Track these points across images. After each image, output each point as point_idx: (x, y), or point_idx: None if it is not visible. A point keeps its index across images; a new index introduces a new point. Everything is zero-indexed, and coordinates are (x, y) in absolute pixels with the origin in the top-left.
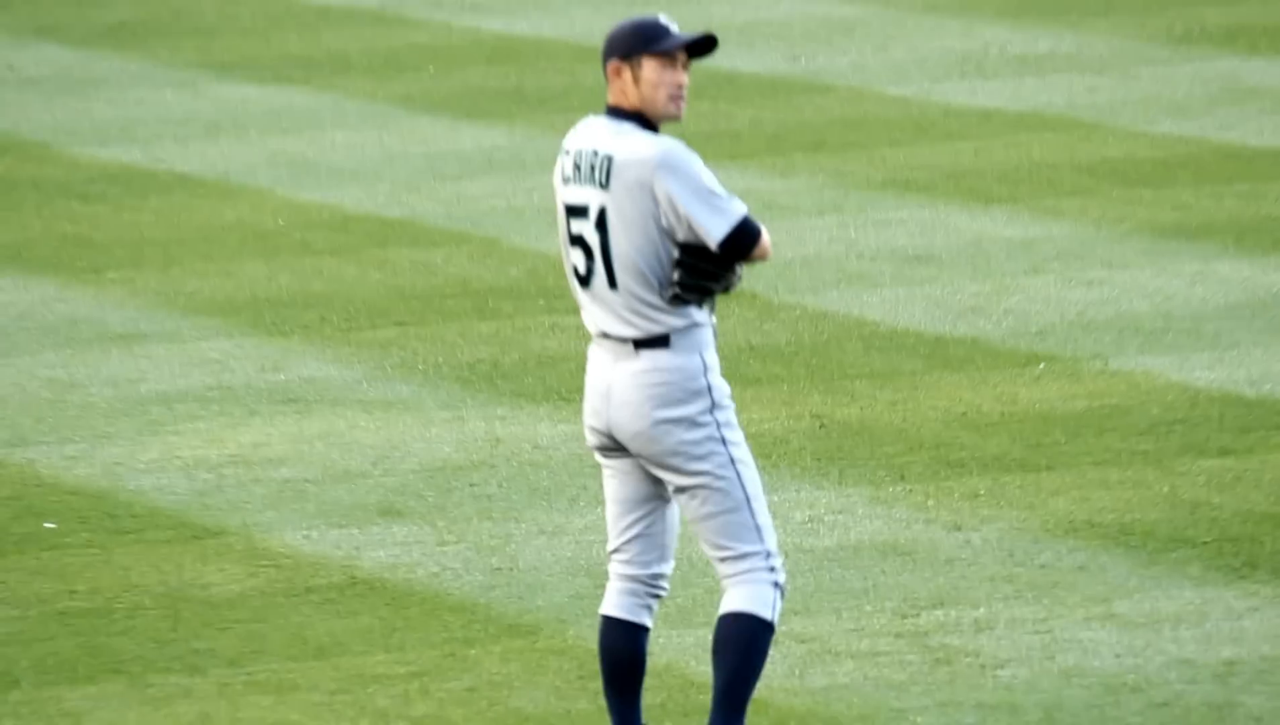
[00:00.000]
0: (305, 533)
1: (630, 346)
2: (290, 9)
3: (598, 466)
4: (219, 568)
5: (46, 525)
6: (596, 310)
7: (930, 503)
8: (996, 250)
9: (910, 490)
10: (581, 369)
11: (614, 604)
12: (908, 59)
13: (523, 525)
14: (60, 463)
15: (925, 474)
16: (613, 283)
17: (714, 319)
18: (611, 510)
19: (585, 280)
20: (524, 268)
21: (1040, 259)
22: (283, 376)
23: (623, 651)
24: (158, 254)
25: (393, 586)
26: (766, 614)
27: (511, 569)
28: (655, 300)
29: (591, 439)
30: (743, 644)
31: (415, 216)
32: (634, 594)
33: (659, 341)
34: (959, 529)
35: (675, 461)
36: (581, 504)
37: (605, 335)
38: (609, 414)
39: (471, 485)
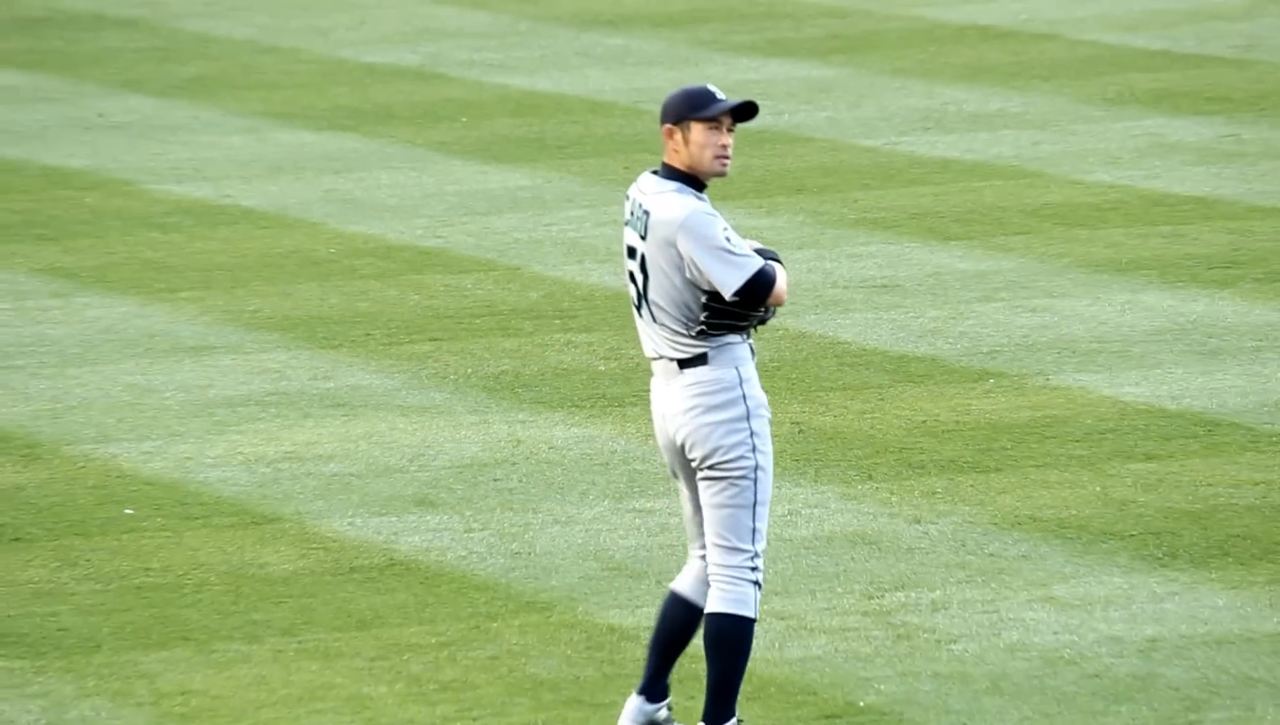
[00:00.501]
0: (350, 520)
1: (676, 366)
2: (342, 66)
3: (604, 464)
4: (275, 549)
5: (126, 511)
6: (648, 334)
7: (894, 499)
8: (953, 281)
9: (877, 488)
10: (591, 381)
11: (684, 584)
12: (877, 115)
13: (539, 515)
14: (138, 457)
15: (890, 474)
16: (653, 316)
17: (751, 339)
18: (687, 515)
19: (638, 308)
20: (543, 292)
21: (991, 289)
22: (332, 384)
23: (678, 622)
24: (225, 277)
25: (425, 567)
26: (749, 612)
27: (529, 553)
28: (686, 335)
29: (666, 459)
30: (730, 642)
31: (449, 247)
32: (702, 580)
33: (699, 360)
34: (919, 522)
35: (712, 457)
36: (591, 497)
37: (658, 357)
38: (668, 427)
39: (495, 480)
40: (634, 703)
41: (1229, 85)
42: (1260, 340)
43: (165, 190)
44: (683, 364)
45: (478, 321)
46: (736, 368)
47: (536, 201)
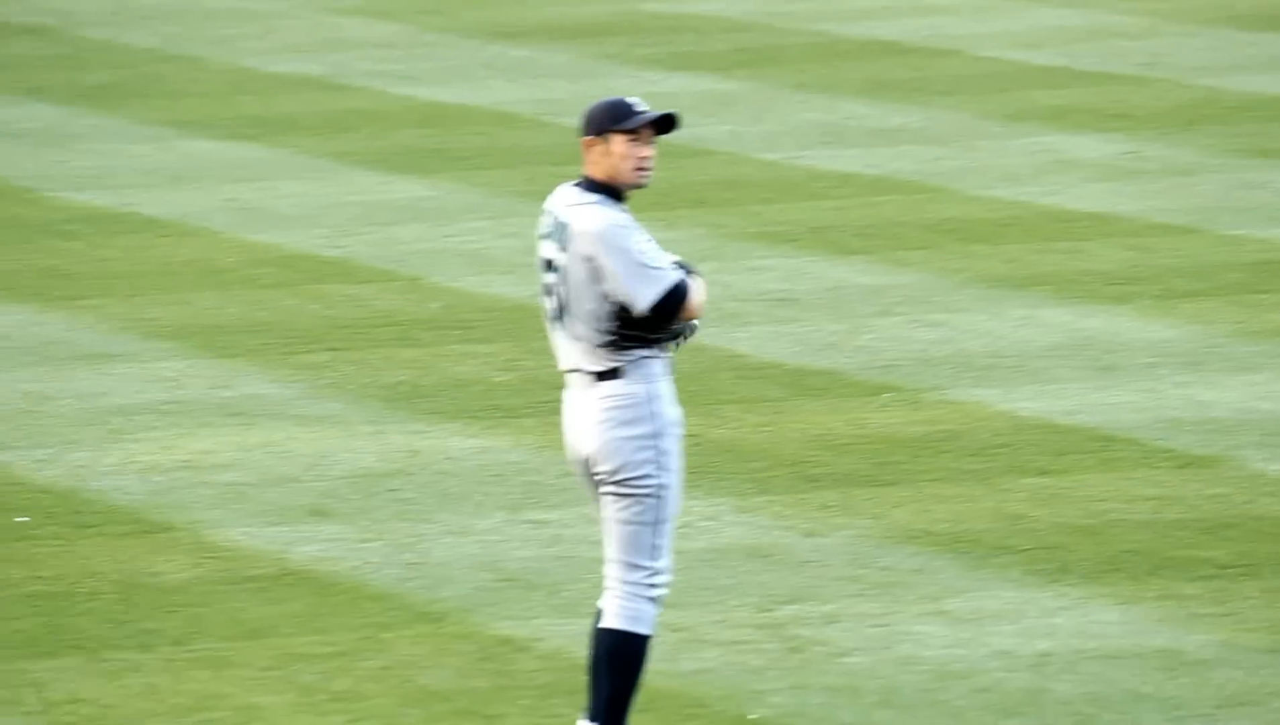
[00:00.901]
0: (244, 529)
1: (592, 378)
2: (246, 75)
3: (500, 475)
4: (168, 559)
5: (18, 519)
6: (564, 347)
7: (789, 512)
8: (852, 295)
9: (772, 501)
10: (489, 392)
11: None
12: (778, 129)
13: (434, 526)
14: (32, 465)
15: (785, 487)
16: (571, 330)
17: (668, 354)
18: (605, 529)
19: (554, 323)
20: (442, 303)
21: (889, 303)
22: (229, 393)
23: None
24: (124, 285)
25: (319, 577)
26: (644, 629)
27: (423, 564)
28: (603, 347)
29: (576, 473)
30: (623, 660)
31: (349, 257)
32: None
33: (613, 373)
34: (813, 535)
35: (619, 473)
36: (486, 508)
37: (573, 369)
38: (579, 440)
39: (391, 490)
40: None
41: (1129, 102)
42: (1156, 357)
43: (66, 198)
44: (599, 377)
45: (377, 332)
46: (650, 384)
47: (438, 212)
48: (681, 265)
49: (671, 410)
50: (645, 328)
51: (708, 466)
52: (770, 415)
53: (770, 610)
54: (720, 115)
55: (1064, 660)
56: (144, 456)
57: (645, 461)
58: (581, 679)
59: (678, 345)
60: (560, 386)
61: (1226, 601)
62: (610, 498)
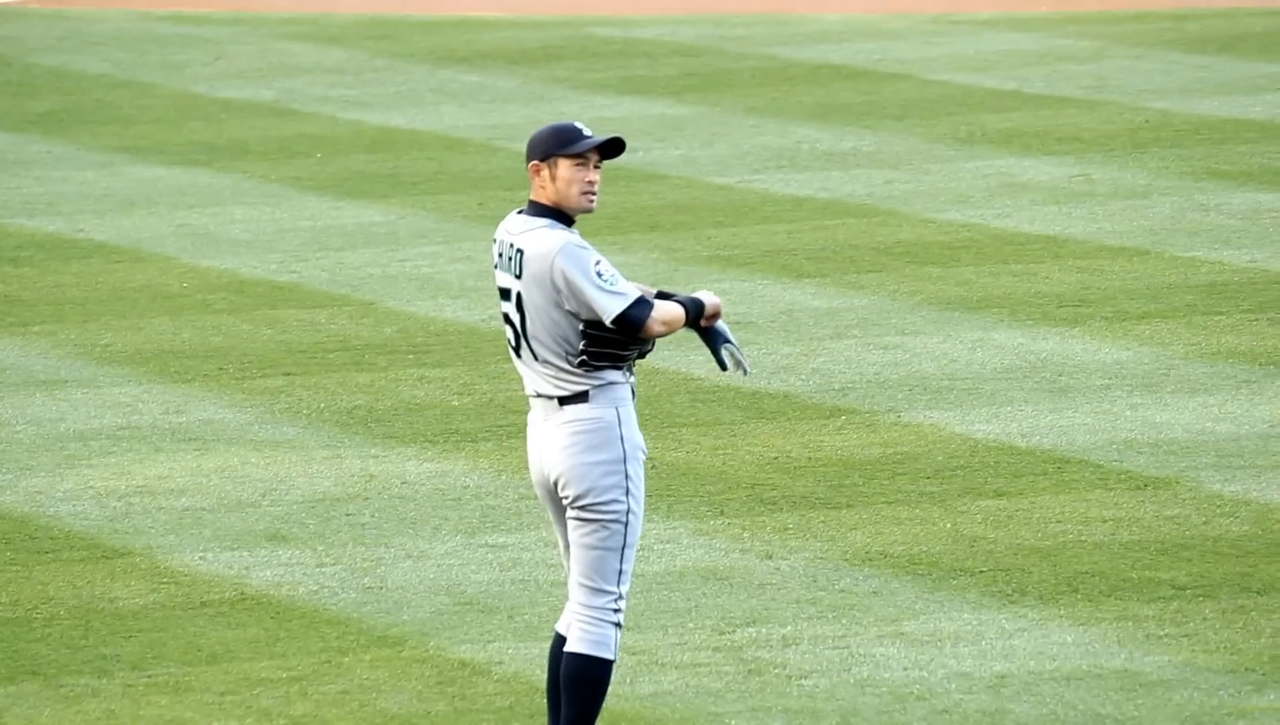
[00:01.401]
0: (201, 554)
1: (556, 403)
2: (196, 101)
3: (457, 499)
4: (125, 584)
5: None
6: (528, 374)
7: (746, 534)
8: (806, 318)
9: (728, 523)
10: (445, 417)
11: (566, 624)
12: (730, 153)
13: (391, 550)
14: None
15: (742, 510)
16: (534, 354)
17: (632, 378)
18: (564, 550)
19: (516, 350)
20: (396, 327)
21: (843, 326)
22: (184, 418)
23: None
24: (77, 311)
25: (277, 602)
26: (608, 654)
27: (381, 588)
28: (569, 368)
29: (540, 495)
30: (588, 684)
31: (302, 281)
32: None
33: (579, 397)
34: (770, 558)
35: (585, 498)
36: (444, 533)
37: (537, 394)
38: (544, 464)
39: (348, 515)
40: None
41: (1078, 126)
42: (1109, 378)
43: (17, 224)
44: (563, 401)
45: (331, 356)
46: (617, 408)
47: (390, 237)
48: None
49: (637, 435)
50: (609, 343)
51: (664, 489)
52: (726, 438)
53: (728, 633)
54: (672, 139)
55: (1022, 682)
56: (100, 482)
57: (613, 486)
58: (541, 702)
59: (633, 366)
60: (517, 410)
61: (1184, 622)
62: (576, 522)
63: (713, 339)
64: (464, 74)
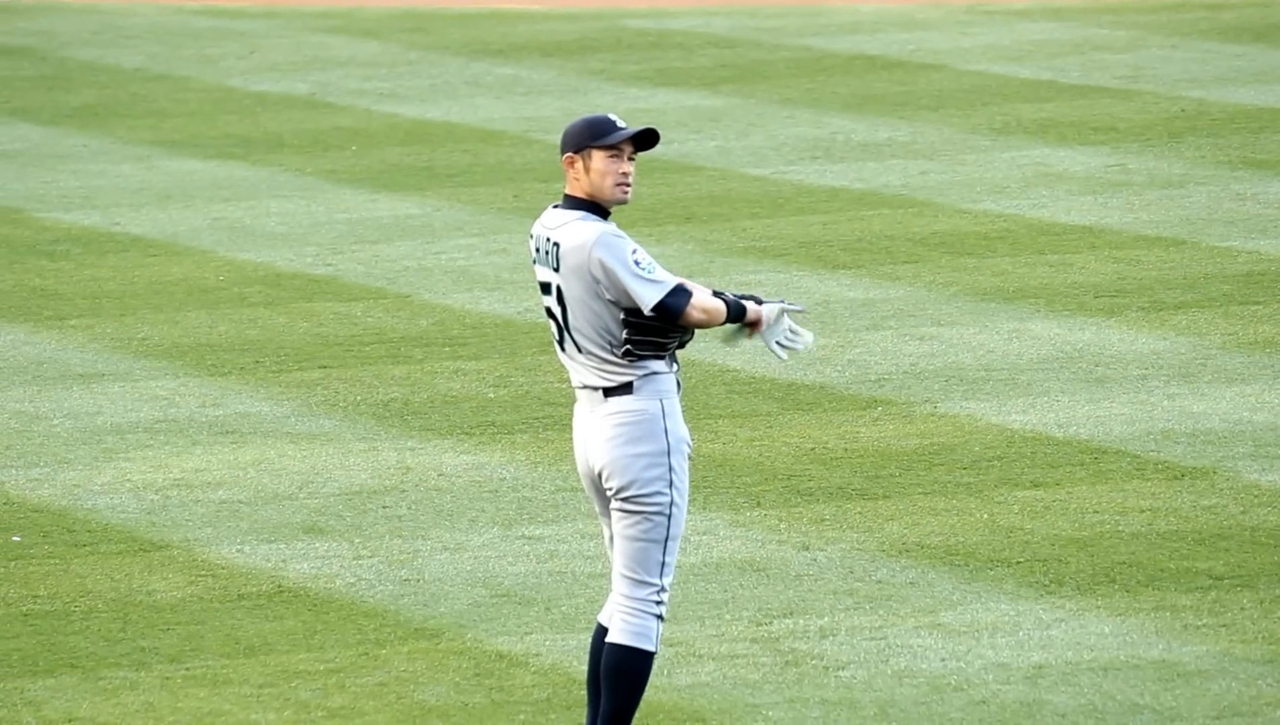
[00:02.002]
0: (238, 547)
1: (601, 394)
2: (231, 95)
3: (493, 491)
4: (163, 577)
5: (13, 539)
6: (573, 367)
7: (782, 526)
8: (841, 309)
9: (765, 515)
10: (481, 409)
11: (609, 615)
12: (765, 144)
13: (428, 542)
14: (26, 484)
15: (778, 501)
16: (578, 347)
17: (677, 368)
18: (608, 544)
19: (560, 343)
20: (433, 320)
21: (879, 317)
22: (221, 411)
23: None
24: (114, 305)
25: (314, 594)
26: (649, 646)
27: (418, 580)
28: (613, 359)
29: (585, 487)
30: (629, 675)
31: (338, 275)
32: None
33: (624, 388)
34: (807, 549)
35: (629, 489)
36: (480, 524)
37: (584, 386)
38: (588, 454)
39: (384, 507)
40: None
41: (1114, 115)
42: (1146, 368)
43: (54, 218)
44: (608, 392)
45: (367, 349)
46: (661, 400)
47: (426, 229)
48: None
49: (682, 427)
50: (651, 331)
51: (701, 481)
52: (762, 429)
53: (765, 624)
54: (707, 131)
55: (1059, 672)
56: (137, 475)
57: (656, 478)
58: (579, 694)
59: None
60: (553, 402)
61: (1222, 613)
62: (620, 514)
63: (763, 338)
64: (498, 66)
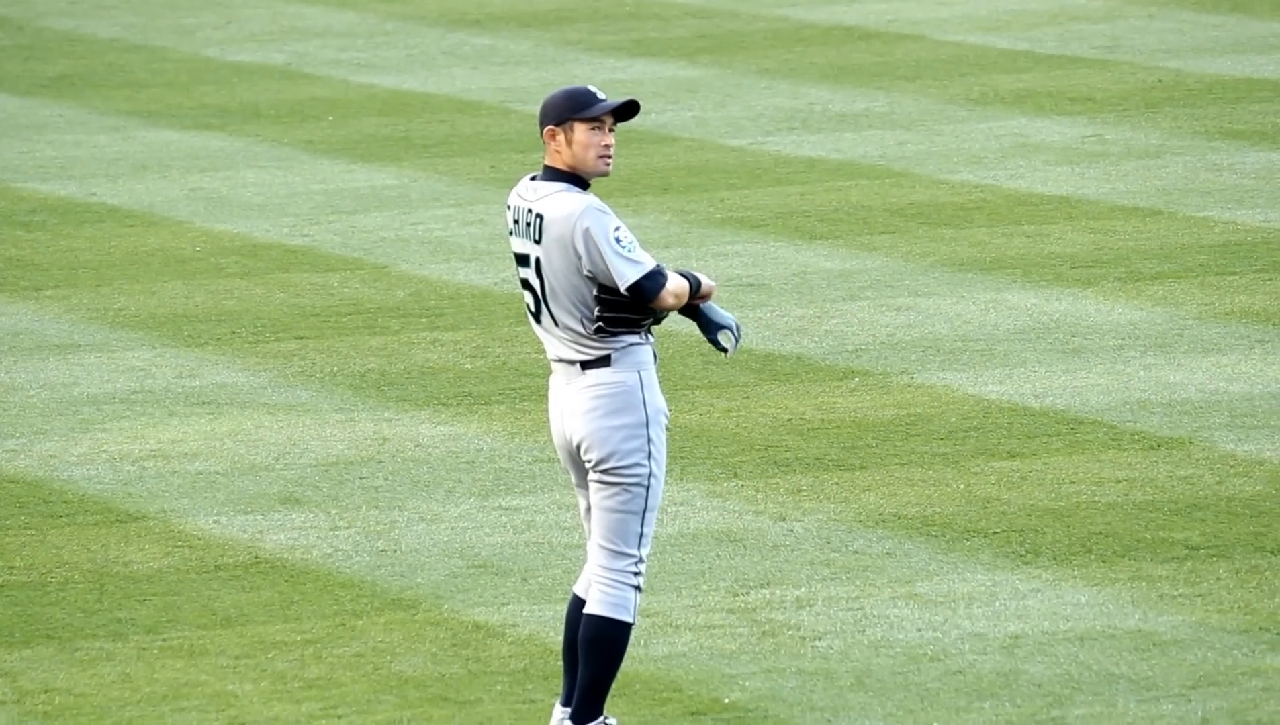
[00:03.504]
0: (215, 518)
1: (578, 367)
2: (208, 65)
3: (470, 462)
4: (139, 548)
5: None
6: (548, 339)
7: (759, 496)
8: (818, 280)
9: (742, 486)
10: (458, 380)
11: (584, 587)
12: (743, 115)
13: (405, 513)
14: (2, 455)
15: (755, 472)
16: (555, 320)
17: (652, 340)
18: (583, 514)
19: (536, 316)
20: (409, 290)
21: (856, 288)
22: (198, 382)
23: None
24: (90, 275)
25: (291, 565)
26: (627, 617)
27: (395, 551)
28: (589, 335)
29: (561, 458)
30: (607, 646)
31: (315, 245)
32: None
33: (602, 361)
34: (784, 519)
35: (608, 462)
36: (457, 495)
37: (559, 359)
38: (565, 426)
39: (361, 478)
40: (558, 713)
41: (1091, 86)
42: (1122, 339)
43: (30, 188)
44: (585, 365)
45: (344, 320)
46: (639, 372)
47: (403, 200)
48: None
49: (660, 399)
50: (624, 308)
51: (678, 452)
52: (739, 400)
53: (742, 595)
54: (684, 101)
55: (1036, 642)
56: (113, 446)
57: (635, 450)
58: (556, 664)
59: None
60: (530, 373)
61: (1198, 583)
62: (598, 485)
63: (706, 320)
64: (475, 37)
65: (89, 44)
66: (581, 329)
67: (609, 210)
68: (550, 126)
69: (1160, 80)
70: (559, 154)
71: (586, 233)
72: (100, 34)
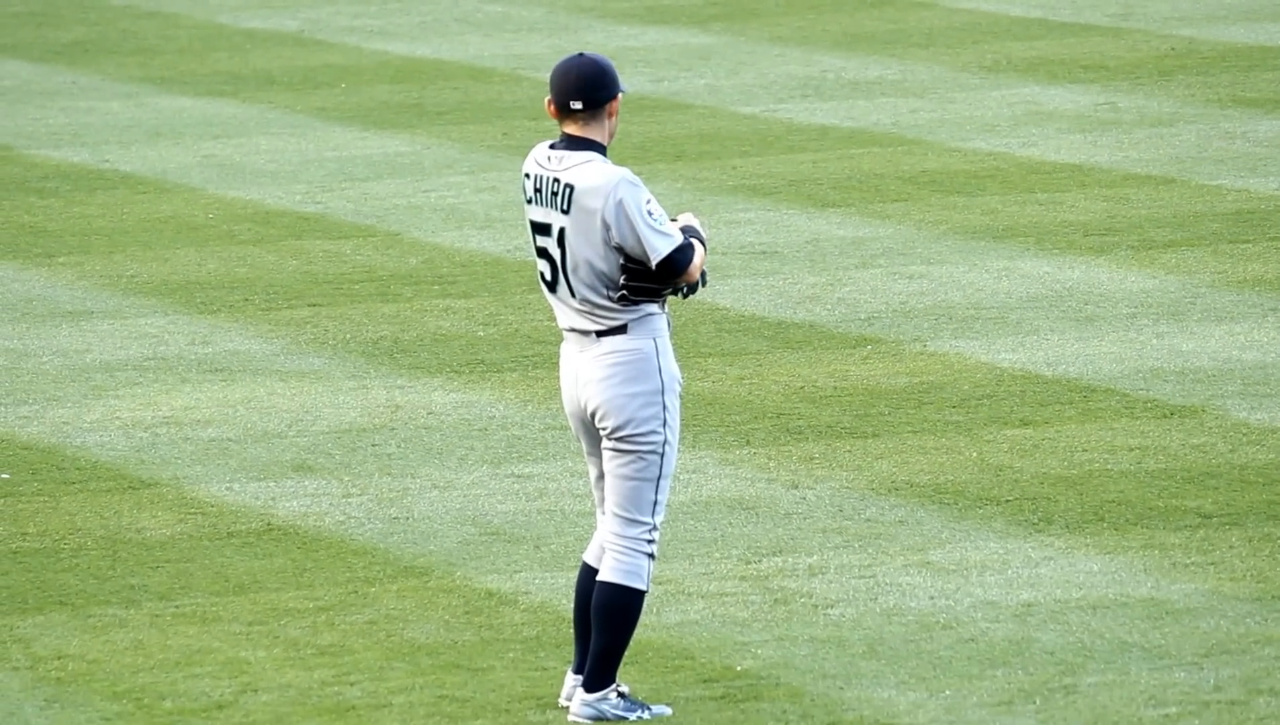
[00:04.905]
0: (228, 485)
1: (593, 336)
2: (221, 31)
3: (483, 430)
4: (152, 514)
5: (2, 476)
6: (563, 309)
7: (771, 464)
8: (831, 247)
9: (754, 453)
10: (470, 347)
11: (595, 555)
12: (756, 82)
13: (418, 480)
14: (15, 422)
15: (767, 439)
16: (572, 291)
17: (667, 310)
18: (594, 482)
19: (552, 286)
20: (422, 258)
21: (869, 255)
22: (210, 349)
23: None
24: (103, 242)
25: (304, 532)
26: (640, 584)
27: (408, 518)
28: (607, 303)
29: (573, 426)
30: (620, 614)
31: (327, 212)
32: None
33: (618, 329)
34: (796, 487)
35: (624, 429)
36: (470, 463)
37: (572, 330)
38: (579, 394)
39: (374, 445)
40: (570, 679)
41: (1105, 54)
42: (1135, 307)
43: (43, 155)
44: (600, 334)
45: (357, 287)
46: (655, 339)
47: (416, 167)
48: (687, 230)
49: (674, 366)
50: (649, 278)
51: (691, 419)
52: (752, 368)
53: (755, 562)
54: (697, 69)
55: (1048, 610)
56: (126, 412)
57: (651, 417)
58: (568, 631)
59: (684, 295)
60: (543, 340)
61: (1210, 551)
62: (612, 453)
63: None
64: (488, 4)
65: (102, 10)
66: (600, 300)
67: (640, 182)
68: (617, 97)
69: (1173, 48)
70: (601, 127)
71: (620, 205)
72: (114, 0)
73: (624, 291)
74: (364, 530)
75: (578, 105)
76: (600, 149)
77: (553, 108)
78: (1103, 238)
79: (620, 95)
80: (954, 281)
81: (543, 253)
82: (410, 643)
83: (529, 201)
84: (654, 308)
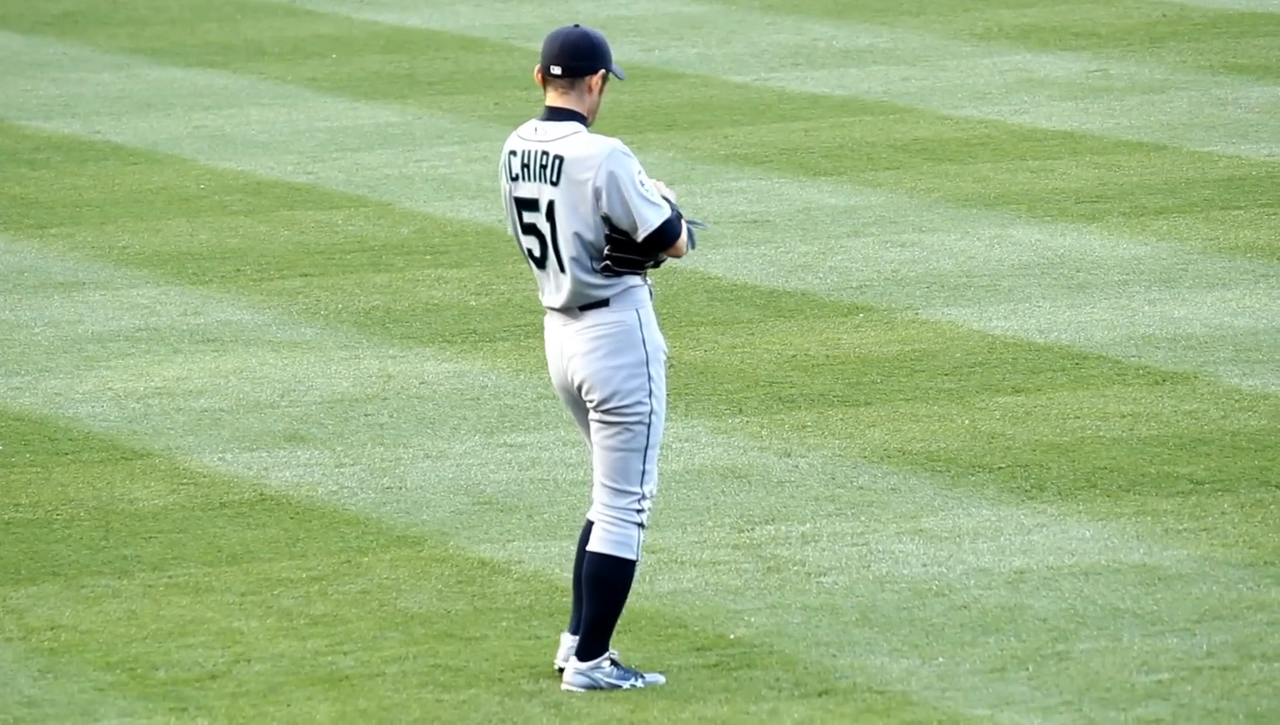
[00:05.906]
0: (220, 455)
1: (577, 310)
2: (211, 2)
3: (475, 399)
4: (145, 485)
5: None
6: (550, 285)
7: (764, 432)
8: (823, 216)
9: (747, 422)
10: (462, 317)
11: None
12: (747, 51)
13: (410, 450)
14: (6, 393)
15: (760, 408)
16: (561, 266)
17: (650, 281)
18: (591, 450)
19: (540, 262)
20: (413, 228)
21: (860, 224)
22: (202, 320)
23: None
24: (94, 213)
25: (296, 502)
26: (630, 554)
27: (400, 488)
28: (594, 278)
29: (562, 399)
30: (610, 584)
31: (319, 183)
32: None
33: (600, 303)
34: (789, 455)
35: (610, 401)
36: (462, 432)
37: (555, 307)
38: (565, 367)
39: (366, 415)
40: (567, 641)
41: (1096, 21)
42: (1127, 274)
43: (34, 126)
44: (583, 307)
45: (349, 257)
46: (637, 311)
47: (407, 137)
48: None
49: (658, 336)
50: (633, 250)
51: (683, 388)
52: (744, 336)
53: (747, 531)
54: (688, 38)
55: (1041, 577)
56: (119, 383)
57: (636, 389)
58: (561, 600)
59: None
60: (535, 310)
61: (1203, 517)
62: (599, 425)
63: None
64: None
65: None
66: (586, 275)
67: (631, 153)
68: (602, 71)
69: (1165, 15)
70: (583, 98)
71: (611, 176)
72: None
73: (608, 261)
74: (357, 500)
75: (557, 70)
76: (581, 119)
77: (539, 75)
78: (1094, 205)
79: (607, 74)
80: (946, 249)
81: (530, 229)
82: (403, 612)
83: (514, 179)
84: (636, 280)
